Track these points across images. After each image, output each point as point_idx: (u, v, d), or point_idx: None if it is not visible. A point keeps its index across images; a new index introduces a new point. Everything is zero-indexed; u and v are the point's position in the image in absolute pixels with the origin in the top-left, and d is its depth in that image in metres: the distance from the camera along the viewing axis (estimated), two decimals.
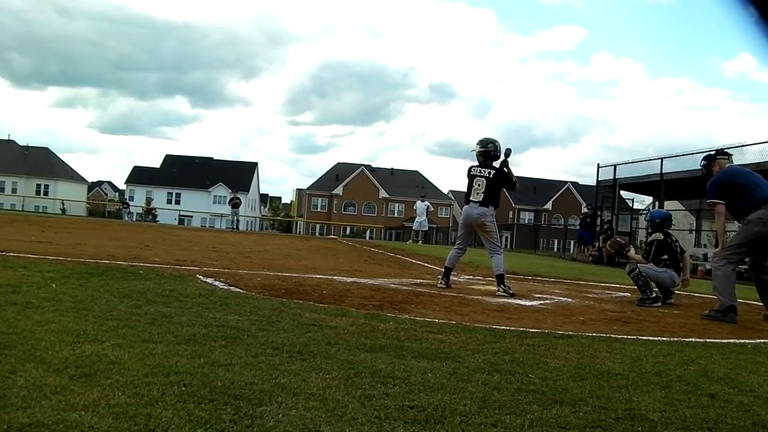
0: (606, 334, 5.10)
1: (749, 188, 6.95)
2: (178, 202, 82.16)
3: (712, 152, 7.80)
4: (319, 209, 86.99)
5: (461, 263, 9.55)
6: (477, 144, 8.26)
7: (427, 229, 29.12)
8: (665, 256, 8.19)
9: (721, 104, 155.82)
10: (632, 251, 8.87)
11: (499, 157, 8.14)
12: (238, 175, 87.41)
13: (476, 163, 8.20)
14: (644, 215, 9.12)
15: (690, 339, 5.19)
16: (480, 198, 8.02)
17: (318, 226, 75.67)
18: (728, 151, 8.32)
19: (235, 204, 35.18)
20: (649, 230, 8.67)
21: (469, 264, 14.14)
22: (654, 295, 7.95)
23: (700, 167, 7.89)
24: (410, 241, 29.05)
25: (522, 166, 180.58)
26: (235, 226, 35.59)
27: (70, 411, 2.25)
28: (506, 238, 61.12)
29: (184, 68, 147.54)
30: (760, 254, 7.12)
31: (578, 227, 27.31)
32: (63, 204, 60.14)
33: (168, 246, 13.47)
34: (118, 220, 38.40)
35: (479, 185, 8.03)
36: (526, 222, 75.09)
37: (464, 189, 8.35)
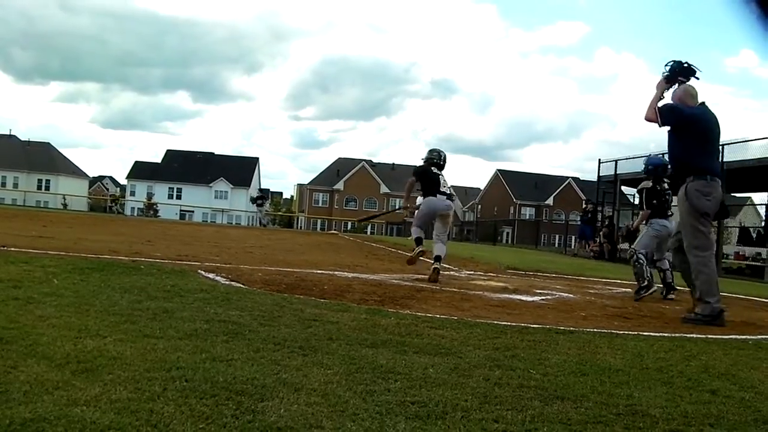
0: (607, 329, 5.10)
1: None
2: (179, 197, 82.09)
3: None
4: (320, 204, 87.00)
5: (462, 259, 9.63)
6: (432, 152, 9.14)
7: None
8: (654, 201, 8.19)
9: (723, 100, 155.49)
10: (635, 222, 8.84)
11: (443, 167, 9.13)
12: (240, 170, 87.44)
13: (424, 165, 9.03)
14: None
15: (691, 335, 5.18)
16: (449, 192, 8.92)
17: (319, 221, 75.68)
18: (729, 147, 8.15)
19: (259, 204, 36.00)
20: (644, 176, 8.63)
21: (471, 260, 14.14)
22: (645, 283, 7.94)
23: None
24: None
25: (523, 161, 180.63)
26: (264, 223, 36.34)
27: (71, 406, 2.25)
28: (507, 233, 61.12)
29: (187, 63, 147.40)
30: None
31: (579, 223, 27.31)
32: (65, 199, 60.22)
33: (169, 241, 13.48)
34: (120, 215, 38.56)
35: (444, 182, 8.88)
36: (527, 217, 75.06)
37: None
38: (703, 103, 6.36)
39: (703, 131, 6.22)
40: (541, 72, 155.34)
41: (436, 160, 8.99)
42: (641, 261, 8.00)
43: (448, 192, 8.89)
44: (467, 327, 4.59)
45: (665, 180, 8.35)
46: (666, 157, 7.45)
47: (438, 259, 8.37)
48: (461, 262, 12.92)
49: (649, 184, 8.32)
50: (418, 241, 8.76)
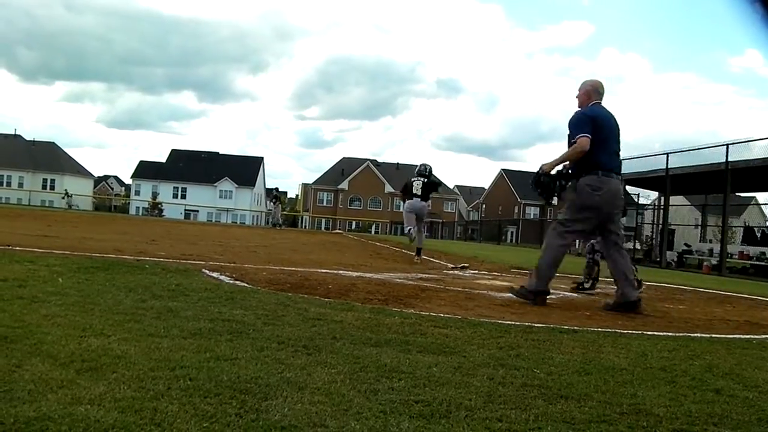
0: (611, 329, 5.09)
1: None
2: (184, 197, 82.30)
3: None
4: (324, 204, 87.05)
5: (466, 258, 9.68)
6: (420, 167, 13.50)
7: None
8: None
9: (728, 99, 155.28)
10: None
11: (426, 175, 13.33)
12: (244, 169, 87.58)
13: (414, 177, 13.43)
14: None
15: (695, 334, 5.17)
16: (419, 193, 13.07)
17: (323, 220, 75.71)
18: (733, 147, 8.19)
19: (275, 202, 36.25)
20: None
21: (475, 258, 14.14)
22: (588, 285, 8.19)
23: None
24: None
25: (528, 161, 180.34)
26: (280, 222, 36.53)
27: (76, 405, 2.26)
28: (512, 233, 61.07)
29: (192, 63, 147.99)
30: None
31: None
32: (70, 197, 60.29)
33: (174, 240, 13.50)
34: (125, 214, 38.65)
35: (417, 187, 13.09)
36: (532, 217, 74.94)
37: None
38: (599, 102, 6.63)
39: (599, 129, 6.40)
40: (546, 72, 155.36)
41: (422, 171, 13.34)
42: (596, 260, 8.11)
43: (419, 194, 13.03)
44: (471, 326, 4.59)
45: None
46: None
47: (420, 252, 13.30)
48: (465, 261, 12.92)
49: None
50: (409, 233, 13.38)
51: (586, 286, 8.13)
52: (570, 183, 6.53)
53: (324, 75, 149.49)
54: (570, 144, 6.49)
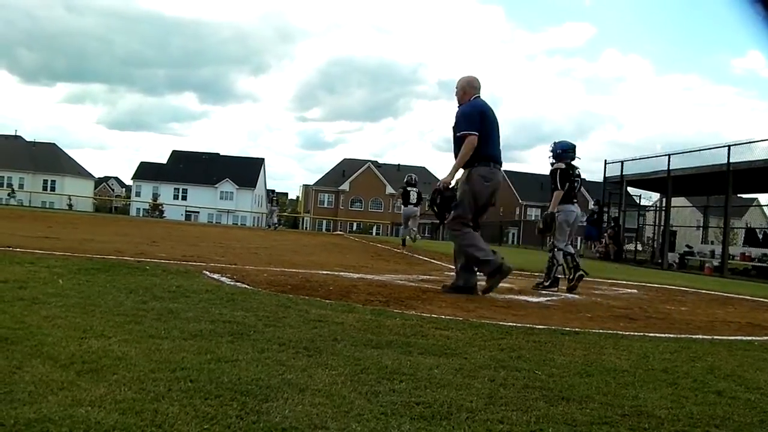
0: (613, 330, 5.08)
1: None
2: (184, 198, 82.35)
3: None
4: (325, 205, 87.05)
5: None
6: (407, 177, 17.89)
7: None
8: (567, 183, 8.21)
9: (730, 101, 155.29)
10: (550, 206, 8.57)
11: (415, 185, 18.41)
12: (245, 171, 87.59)
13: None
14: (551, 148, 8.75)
15: (697, 336, 5.17)
16: (415, 202, 18.40)
17: (324, 222, 75.71)
18: (735, 148, 8.25)
19: (274, 205, 36.35)
20: (552, 161, 8.55)
21: None
22: (548, 283, 8.15)
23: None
24: (419, 236, 28.30)
25: (529, 162, 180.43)
26: (275, 223, 36.51)
27: (76, 406, 2.25)
28: (513, 234, 61.00)
29: (193, 64, 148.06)
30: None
31: (585, 223, 27.28)
32: (70, 199, 60.34)
33: (174, 242, 13.51)
34: (125, 215, 38.67)
35: (413, 195, 18.40)
36: (533, 218, 74.88)
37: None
38: (478, 96, 6.97)
39: (487, 122, 6.76)
40: (547, 73, 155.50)
41: (409, 181, 19.04)
42: (553, 261, 8.10)
43: (414, 201, 18.57)
44: (472, 328, 4.58)
45: (575, 165, 8.50)
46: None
47: (405, 242, 17.24)
48: None
49: (562, 165, 8.31)
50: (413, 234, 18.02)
51: (546, 284, 8.13)
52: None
53: (325, 76, 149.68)
54: (455, 138, 6.78)
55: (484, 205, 6.86)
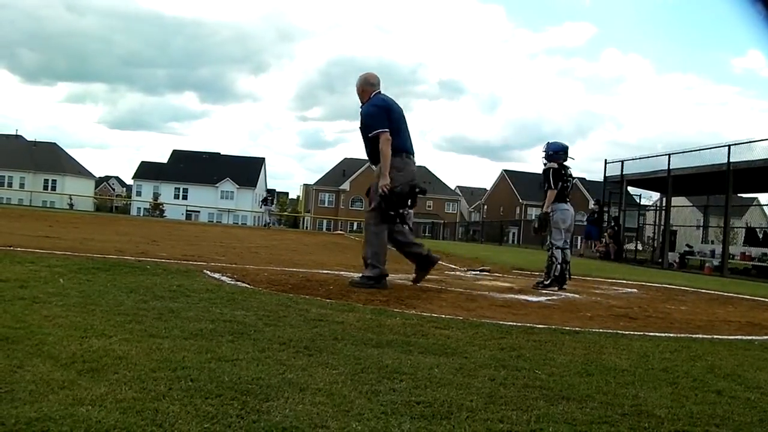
0: (613, 330, 5.08)
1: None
2: (185, 197, 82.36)
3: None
4: (326, 205, 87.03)
5: (467, 259, 9.79)
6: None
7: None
8: (560, 183, 8.22)
9: (730, 100, 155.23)
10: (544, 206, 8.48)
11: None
12: (246, 170, 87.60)
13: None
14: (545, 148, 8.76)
15: (697, 335, 5.17)
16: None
17: (325, 221, 75.69)
18: (735, 148, 8.25)
19: (268, 203, 36.36)
20: (545, 162, 8.54)
21: (476, 259, 14.13)
22: (548, 282, 8.15)
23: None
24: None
25: (530, 162, 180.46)
26: (269, 222, 36.50)
27: (77, 405, 2.26)
28: (513, 233, 61.02)
29: (193, 64, 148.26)
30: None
31: (585, 223, 27.26)
32: (71, 199, 60.35)
33: (175, 241, 13.51)
34: (126, 215, 38.71)
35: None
36: (533, 217, 74.81)
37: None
38: (380, 91, 7.02)
39: (394, 116, 6.87)
40: (547, 73, 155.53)
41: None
42: (552, 259, 8.11)
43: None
44: (473, 327, 4.59)
45: (567, 165, 8.49)
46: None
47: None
48: (467, 262, 12.92)
49: (555, 165, 8.32)
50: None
51: (546, 283, 8.14)
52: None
53: (326, 76, 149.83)
54: (365, 136, 6.94)
55: (405, 196, 6.84)
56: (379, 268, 6.67)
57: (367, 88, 7.00)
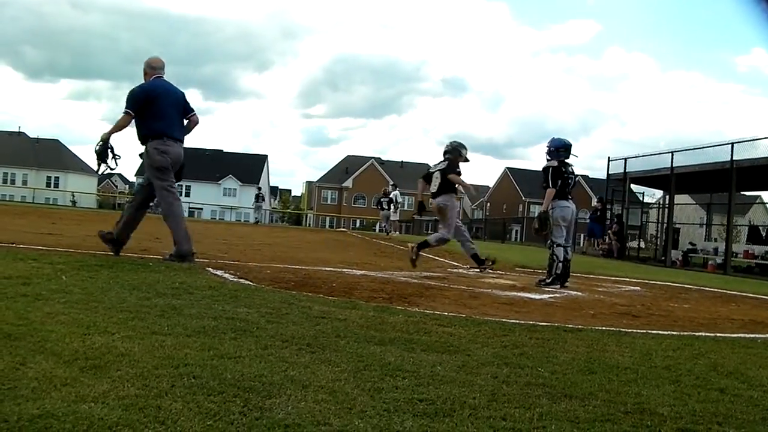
0: (615, 327, 5.08)
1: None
2: (187, 194, 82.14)
3: None
4: (329, 202, 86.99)
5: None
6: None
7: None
8: (560, 181, 8.19)
9: (734, 98, 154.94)
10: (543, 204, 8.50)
11: (387, 195, 18.08)
12: (249, 167, 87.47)
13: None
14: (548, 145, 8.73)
15: (700, 333, 5.16)
16: (387, 208, 17.50)
17: (328, 218, 75.68)
18: (739, 146, 8.22)
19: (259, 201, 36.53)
20: (548, 158, 8.53)
21: None
22: (550, 279, 8.14)
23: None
24: (395, 232, 27.78)
25: (533, 159, 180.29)
26: (258, 219, 36.58)
27: (80, 402, 2.26)
28: (516, 231, 61.02)
29: (197, 61, 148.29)
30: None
31: (588, 221, 27.21)
32: (74, 196, 60.37)
33: None
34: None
35: (385, 203, 18.11)
36: (536, 215, 74.77)
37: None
38: (160, 76, 7.42)
39: (156, 101, 7.21)
40: (551, 70, 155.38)
41: (385, 191, 19.30)
42: (554, 257, 8.09)
43: (386, 207, 20.96)
44: (475, 325, 4.58)
45: (569, 162, 8.48)
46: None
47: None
48: (469, 260, 12.88)
49: (554, 163, 8.29)
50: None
51: (548, 281, 8.12)
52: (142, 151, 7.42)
53: (330, 73, 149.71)
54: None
55: (167, 169, 7.34)
56: (183, 246, 7.29)
57: (149, 71, 7.41)
